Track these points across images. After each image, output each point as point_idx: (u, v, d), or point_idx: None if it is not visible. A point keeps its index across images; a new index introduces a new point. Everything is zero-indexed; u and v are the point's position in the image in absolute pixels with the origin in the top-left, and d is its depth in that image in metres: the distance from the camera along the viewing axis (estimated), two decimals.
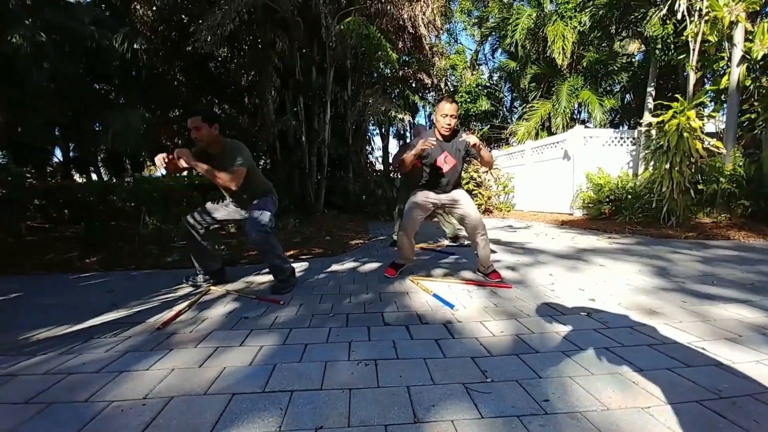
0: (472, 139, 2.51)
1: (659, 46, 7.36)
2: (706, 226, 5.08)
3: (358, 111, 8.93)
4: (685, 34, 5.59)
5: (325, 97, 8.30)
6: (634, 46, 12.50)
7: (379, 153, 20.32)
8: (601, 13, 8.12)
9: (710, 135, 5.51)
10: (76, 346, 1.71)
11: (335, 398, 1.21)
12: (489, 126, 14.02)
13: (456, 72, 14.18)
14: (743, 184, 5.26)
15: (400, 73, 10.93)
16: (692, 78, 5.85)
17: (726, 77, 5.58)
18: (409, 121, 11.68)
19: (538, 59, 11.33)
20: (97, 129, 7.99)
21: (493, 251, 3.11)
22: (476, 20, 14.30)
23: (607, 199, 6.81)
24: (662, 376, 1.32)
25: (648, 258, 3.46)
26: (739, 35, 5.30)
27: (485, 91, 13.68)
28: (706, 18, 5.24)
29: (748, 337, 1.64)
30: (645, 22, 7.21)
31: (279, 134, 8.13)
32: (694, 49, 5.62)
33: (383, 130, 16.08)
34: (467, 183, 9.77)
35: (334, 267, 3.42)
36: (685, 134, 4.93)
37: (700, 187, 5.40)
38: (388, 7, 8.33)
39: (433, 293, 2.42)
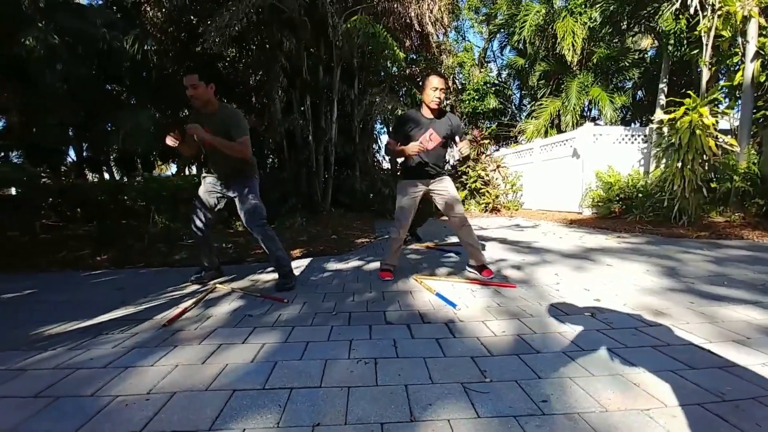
0: (465, 150, 2.65)
1: (672, 41, 7.20)
2: (719, 226, 4.96)
3: (364, 110, 8.93)
4: (697, 29, 5.46)
5: (332, 96, 8.32)
6: (646, 42, 12.25)
7: None
8: (612, 8, 7.98)
9: (724, 132, 5.37)
10: (84, 341, 1.75)
11: (333, 396, 1.23)
12: (497, 124, 13.91)
13: (464, 70, 14.09)
14: (758, 182, 5.13)
15: (407, 71, 10.90)
16: (705, 74, 5.72)
17: (740, 73, 5.43)
18: None
19: (547, 56, 11.18)
20: (108, 129, 8.14)
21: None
22: (484, 17, 14.18)
23: (617, 198, 6.70)
24: (665, 378, 1.31)
25: (657, 258, 3.40)
26: (752, 30, 5.16)
27: (493, 88, 13.57)
28: (719, 13, 5.11)
29: (757, 340, 1.60)
30: (657, 17, 7.06)
31: (286, 133, 8.18)
32: (706, 45, 5.48)
33: (390, 128, 16.08)
34: (475, 182, 9.73)
35: (339, 265, 3.43)
36: (698, 131, 4.82)
37: (713, 185, 5.28)
38: (395, 5, 8.31)
39: (436, 292, 2.42)
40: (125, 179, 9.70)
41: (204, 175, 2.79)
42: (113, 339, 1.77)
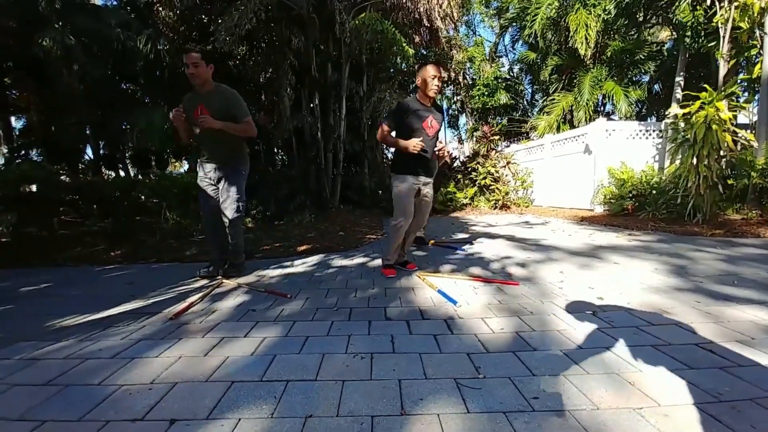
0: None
1: (689, 33, 6.98)
2: (735, 223, 4.82)
3: (373, 106, 8.93)
4: (714, 20, 5.28)
5: (341, 93, 8.34)
6: (664, 34, 11.91)
7: None
8: (627, 0, 7.78)
9: (742, 127, 5.20)
10: (94, 333, 1.82)
11: (328, 389, 1.25)
12: (508, 119, 13.74)
13: (474, 65, 13.94)
14: None
15: (417, 66, 10.83)
16: (722, 67, 5.53)
17: (758, 66, 5.24)
18: None
19: (559, 50, 10.99)
20: (124, 128, 8.35)
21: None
22: (495, 11, 13.98)
23: (630, 195, 6.56)
24: (662, 377, 1.29)
25: (667, 256, 3.33)
26: None
27: (504, 84, 13.40)
28: (736, 4, 4.92)
29: (762, 340, 1.57)
30: (674, 7, 6.85)
31: (295, 130, 8.25)
32: (723, 37, 5.30)
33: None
34: (484, 178, 9.64)
35: (344, 262, 3.47)
36: (714, 126, 4.68)
37: (729, 182, 5.13)
38: (404, 1, 8.26)
39: (438, 289, 2.42)
40: (140, 176, 9.94)
41: (200, 161, 2.83)
42: (122, 331, 1.84)
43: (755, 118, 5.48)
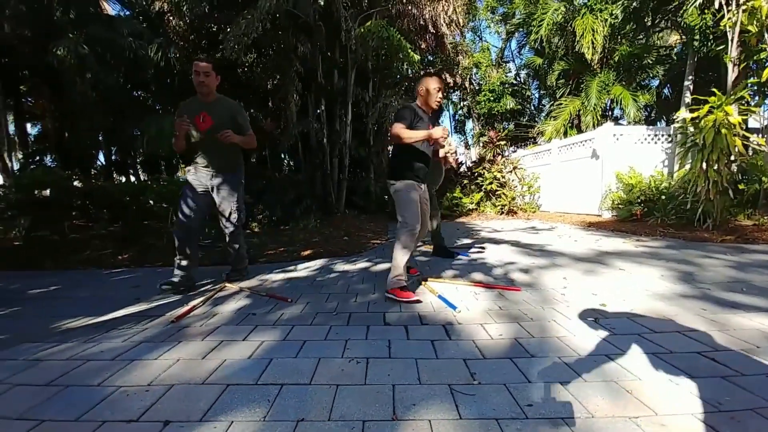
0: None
1: (697, 36, 6.90)
2: (746, 229, 4.72)
3: (378, 112, 8.99)
4: (722, 24, 5.21)
5: (347, 99, 8.42)
6: (674, 38, 11.79)
7: None
8: (634, 4, 7.73)
9: (753, 131, 5.10)
10: (97, 335, 1.85)
11: (321, 393, 1.26)
12: (515, 124, 13.69)
13: (480, 70, 13.95)
14: None
15: (422, 72, 10.88)
16: (731, 70, 5.45)
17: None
18: None
19: (566, 54, 10.93)
20: (135, 134, 8.54)
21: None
22: (501, 17, 14.00)
23: (638, 200, 6.47)
24: (660, 386, 1.27)
25: (675, 262, 3.27)
26: None
27: (511, 89, 13.36)
28: (744, 7, 4.86)
29: (767, 349, 1.53)
30: (682, 11, 6.79)
31: (301, 136, 8.34)
32: (731, 40, 5.23)
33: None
34: (490, 183, 9.60)
35: (347, 267, 3.48)
36: (723, 131, 4.60)
37: (740, 187, 5.03)
38: (409, 8, 8.34)
39: (438, 294, 2.42)
40: (149, 181, 10.12)
41: (189, 168, 2.74)
42: (124, 334, 1.87)
43: (767, 123, 5.38)
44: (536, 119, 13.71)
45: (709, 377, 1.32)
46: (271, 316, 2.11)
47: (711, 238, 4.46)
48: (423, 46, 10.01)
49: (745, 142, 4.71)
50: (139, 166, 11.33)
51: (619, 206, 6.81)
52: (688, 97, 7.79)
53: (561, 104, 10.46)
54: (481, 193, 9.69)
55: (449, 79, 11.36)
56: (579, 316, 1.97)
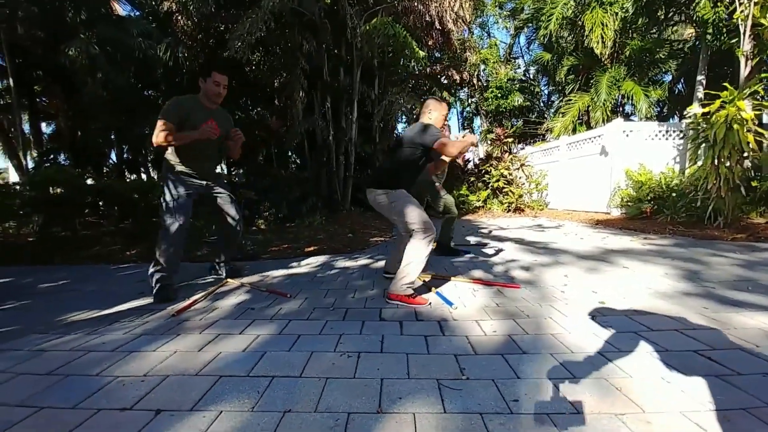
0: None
1: (710, 30, 6.71)
2: (758, 227, 4.59)
3: (384, 109, 8.97)
4: (734, 17, 5.06)
5: (353, 97, 8.42)
6: (689, 32, 11.48)
7: None
8: None
9: (766, 127, 4.95)
10: (100, 328, 1.91)
11: (310, 385, 1.28)
12: (524, 121, 13.54)
13: (488, 66, 13.81)
14: None
15: (428, 69, 10.82)
16: (743, 64, 5.29)
17: None
18: None
19: (575, 49, 10.75)
20: (146, 132, 8.67)
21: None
22: (509, 12, 13.83)
23: (648, 198, 6.35)
24: (652, 384, 1.26)
25: (681, 261, 3.21)
26: None
27: (519, 85, 13.21)
28: (756, 0, 4.71)
29: (766, 348, 1.50)
30: (694, 5, 6.61)
31: (307, 134, 8.37)
32: (744, 34, 5.07)
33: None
34: (497, 181, 9.52)
35: (348, 263, 3.50)
36: (735, 126, 4.48)
37: (753, 183, 4.90)
38: (416, 4, 8.28)
39: (436, 291, 2.42)
40: (157, 179, 10.29)
41: (179, 169, 2.58)
42: (126, 326, 1.92)
43: None
44: (545, 116, 13.53)
45: (703, 376, 1.30)
46: (269, 310, 2.14)
47: (721, 236, 4.35)
48: (430, 42, 9.93)
49: (758, 138, 4.57)
50: (150, 165, 11.52)
51: (629, 204, 6.69)
52: (700, 93, 7.60)
53: (570, 100, 10.30)
54: (488, 191, 9.62)
55: (456, 76, 11.25)
56: (576, 314, 1.96)
